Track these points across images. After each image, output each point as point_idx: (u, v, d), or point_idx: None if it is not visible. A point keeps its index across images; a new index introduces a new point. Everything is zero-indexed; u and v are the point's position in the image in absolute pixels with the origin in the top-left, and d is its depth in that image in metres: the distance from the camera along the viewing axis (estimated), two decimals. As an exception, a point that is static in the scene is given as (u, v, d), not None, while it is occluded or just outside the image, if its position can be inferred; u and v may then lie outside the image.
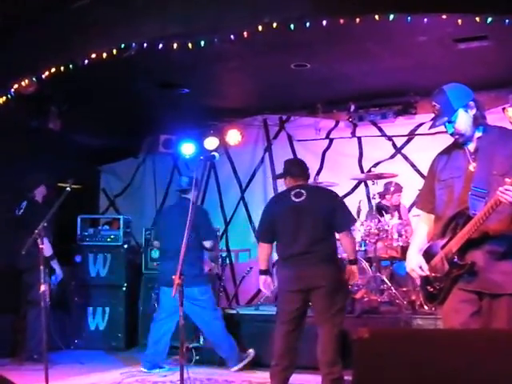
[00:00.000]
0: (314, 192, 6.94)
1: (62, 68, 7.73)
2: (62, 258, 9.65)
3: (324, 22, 6.60)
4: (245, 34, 6.92)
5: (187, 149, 11.13)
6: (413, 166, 10.53)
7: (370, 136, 10.95)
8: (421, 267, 4.69)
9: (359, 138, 11.04)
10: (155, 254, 10.03)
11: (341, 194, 10.14)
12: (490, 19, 6.43)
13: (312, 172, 9.29)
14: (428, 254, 4.68)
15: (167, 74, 8.96)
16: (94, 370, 8.41)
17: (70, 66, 7.68)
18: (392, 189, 9.59)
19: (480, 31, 7.36)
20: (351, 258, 6.95)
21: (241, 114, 11.32)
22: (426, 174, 5.04)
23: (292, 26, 6.71)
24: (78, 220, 10.47)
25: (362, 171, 10.71)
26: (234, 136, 11.10)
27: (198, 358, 8.58)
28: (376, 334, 3.29)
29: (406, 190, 9.82)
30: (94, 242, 10.41)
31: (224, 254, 10.64)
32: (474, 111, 4.55)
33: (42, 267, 6.58)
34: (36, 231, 6.71)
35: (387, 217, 8.91)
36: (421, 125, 10.32)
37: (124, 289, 10.20)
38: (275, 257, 7.66)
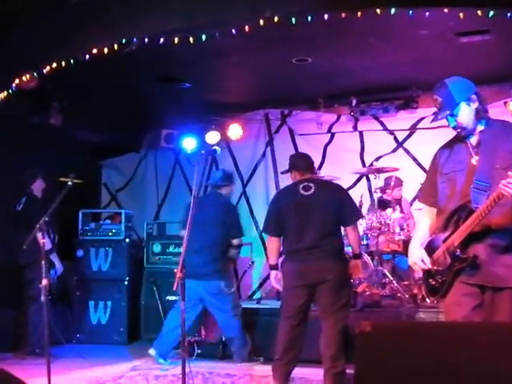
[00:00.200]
0: (322, 185, 6.93)
1: (63, 63, 7.73)
2: (64, 253, 9.69)
3: (325, 16, 6.59)
4: (246, 28, 6.91)
5: (189, 143, 11.11)
6: (414, 159, 10.52)
7: (371, 130, 10.94)
8: (423, 260, 4.69)
9: (361, 132, 11.03)
10: (157, 248, 10.06)
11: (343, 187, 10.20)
12: (491, 13, 6.43)
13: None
14: (430, 248, 4.69)
15: (168, 68, 8.95)
16: (96, 364, 8.43)
17: (71, 61, 7.67)
18: (392, 183, 9.58)
19: (482, 25, 7.33)
20: (356, 252, 6.95)
21: (242, 108, 11.31)
22: (427, 167, 5.04)
23: (293, 20, 6.70)
24: (80, 214, 10.49)
25: (364, 165, 10.70)
26: (235, 130, 11.09)
27: (199, 351, 8.59)
28: (378, 328, 3.29)
29: (408, 183, 9.82)
30: (96, 237, 10.42)
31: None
32: (476, 105, 4.54)
33: (43, 262, 6.59)
34: (37, 226, 6.72)
35: (389, 211, 8.90)
36: (422, 119, 10.31)
37: (126, 283, 10.20)
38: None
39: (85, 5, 7.52)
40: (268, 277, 8.39)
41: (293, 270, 6.67)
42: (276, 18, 6.63)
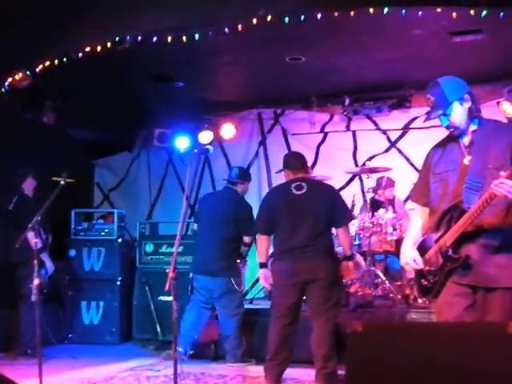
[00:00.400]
0: (315, 185, 6.95)
1: (56, 61, 7.73)
2: (56, 252, 9.65)
3: (318, 15, 6.60)
4: (239, 27, 6.92)
5: (182, 143, 11.10)
6: (407, 159, 10.52)
7: (364, 130, 10.94)
8: (415, 261, 4.68)
9: (354, 132, 11.03)
10: (149, 248, 10.03)
11: (335, 187, 10.16)
12: (484, 12, 6.44)
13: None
14: (422, 248, 4.67)
15: (162, 67, 8.93)
16: (88, 364, 8.39)
17: (64, 59, 7.68)
18: (383, 184, 9.58)
19: (475, 24, 7.34)
20: (348, 253, 6.96)
21: (235, 107, 11.31)
22: (420, 167, 5.03)
23: (286, 20, 6.71)
24: (72, 214, 10.44)
25: (357, 165, 10.70)
26: (228, 130, 11.08)
27: (191, 352, 8.56)
28: (369, 328, 3.29)
29: (401, 183, 9.80)
30: (88, 236, 10.38)
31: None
32: (468, 104, 4.53)
33: (34, 261, 6.57)
34: (29, 225, 6.71)
35: (381, 211, 8.89)
36: (415, 118, 10.31)
37: (118, 283, 10.16)
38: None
39: (78, 3, 7.52)
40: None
41: (284, 268, 6.68)
42: (269, 17, 6.63)
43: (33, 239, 6.79)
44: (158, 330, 9.47)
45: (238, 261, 8.50)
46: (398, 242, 8.64)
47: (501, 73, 9.10)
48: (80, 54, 7.49)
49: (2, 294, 9.06)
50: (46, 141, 10.07)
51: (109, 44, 7.30)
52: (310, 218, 6.66)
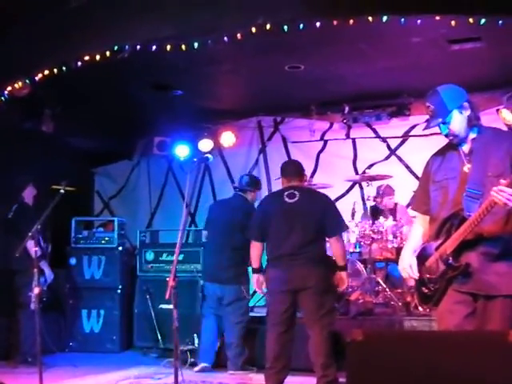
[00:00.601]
0: (307, 194, 6.94)
1: (55, 70, 7.72)
2: (57, 261, 9.66)
3: (317, 24, 6.60)
4: (238, 35, 6.91)
5: (181, 151, 11.09)
6: (407, 167, 10.53)
7: (364, 137, 10.94)
8: (411, 267, 4.68)
9: (353, 140, 11.03)
10: (150, 256, 10.02)
11: (335, 195, 10.17)
12: (483, 20, 6.43)
13: (307, 174, 9.29)
14: (422, 256, 4.67)
15: (161, 75, 8.95)
16: (89, 372, 8.38)
17: (64, 68, 7.67)
18: (381, 192, 9.57)
19: (473, 32, 7.37)
20: (341, 264, 6.92)
21: (235, 115, 11.32)
22: (420, 175, 5.03)
23: (285, 28, 6.71)
24: (73, 222, 10.43)
25: (357, 173, 10.69)
26: (228, 138, 11.07)
27: (192, 360, 8.55)
28: (370, 336, 3.29)
29: (401, 191, 9.79)
30: (89, 245, 10.37)
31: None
32: (468, 112, 4.53)
33: (34, 270, 6.57)
34: (29, 234, 6.71)
35: (382, 219, 8.89)
36: (415, 126, 10.31)
37: (119, 291, 10.16)
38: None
39: (77, 12, 7.50)
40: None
41: (276, 275, 6.72)
42: (268, 26, 6.63)
43: (32, 248, 6.80)
44: (159, 338, 9.45)
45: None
46: (399, 250, 8.62)
47: (500, 80, 9.12)
48: (79, 63, 7.48)
49: (2, 302, 9.04)
50: (45, 149, 10.07)
51: (108, 53, 7.30)
52: (300, 226, 6.67)
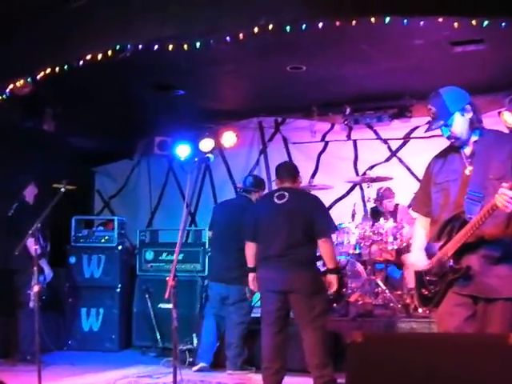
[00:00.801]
0: (296, 195, 6.91)
1: (57, 69, 7.71)
2: (56, 259, 9.66)
3: (320, 25, 6.59)
4: (241, 36, 6.90)
5: (182, 151, 11.09)
6: (408, 169, 10.52)
7: (365, 139, 10.94)
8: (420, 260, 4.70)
9: (354, 141, 11.03)
10: (149, 255, 10.03)
11: (336, 196, 10.19)
12: (486, 22, 6.42)
13: (307, 175, 9.30)
14: (427, 254, 4.67)
15: (162, 75, 8.95)
16: (88, 371, 8.37)
17: (65, 67, 7.66)
18: (380, 194, 9.56)
19: (476, 34, 7.36)
20: (329, 266, 6.85)
21: (236, 116, 11.31)
22: (421, 177, 5.03)
23: (288, 29, 6.71)
24: (73, 221, 10.44)
25: (357, 174, 10.67)
26: (229, 138, 11.07)
27: (191, 359, 8.55)
28: (369, 338, 3.28)
29: (402, 193, 9.77)
30: (89, 244, 10.38)
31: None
32: (470, 115, 4.53)
33: (34, 268, 6.57)
34: (30, 232, 6.70)
35: (382, 220, 8.88)
36: (416, 128, 10.30)
37: (118, 290, 10.16)
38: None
39: (79, 11, 7.50)
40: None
41: (265, 276, 6.79)
42: (270, 26, 6.62)
43: (32, 246, 6.80)
44: (158, 337, 9.46)
45: None
46: (399, 252, 8.66)
47: (502, 83, 9.11)
48: (81, 62, 7.47)
49: (1, 301, 9.04)
50: (46, 148, 10.06)
51: (110, 52, 7.29)
52: (287, 226, 6.67)
